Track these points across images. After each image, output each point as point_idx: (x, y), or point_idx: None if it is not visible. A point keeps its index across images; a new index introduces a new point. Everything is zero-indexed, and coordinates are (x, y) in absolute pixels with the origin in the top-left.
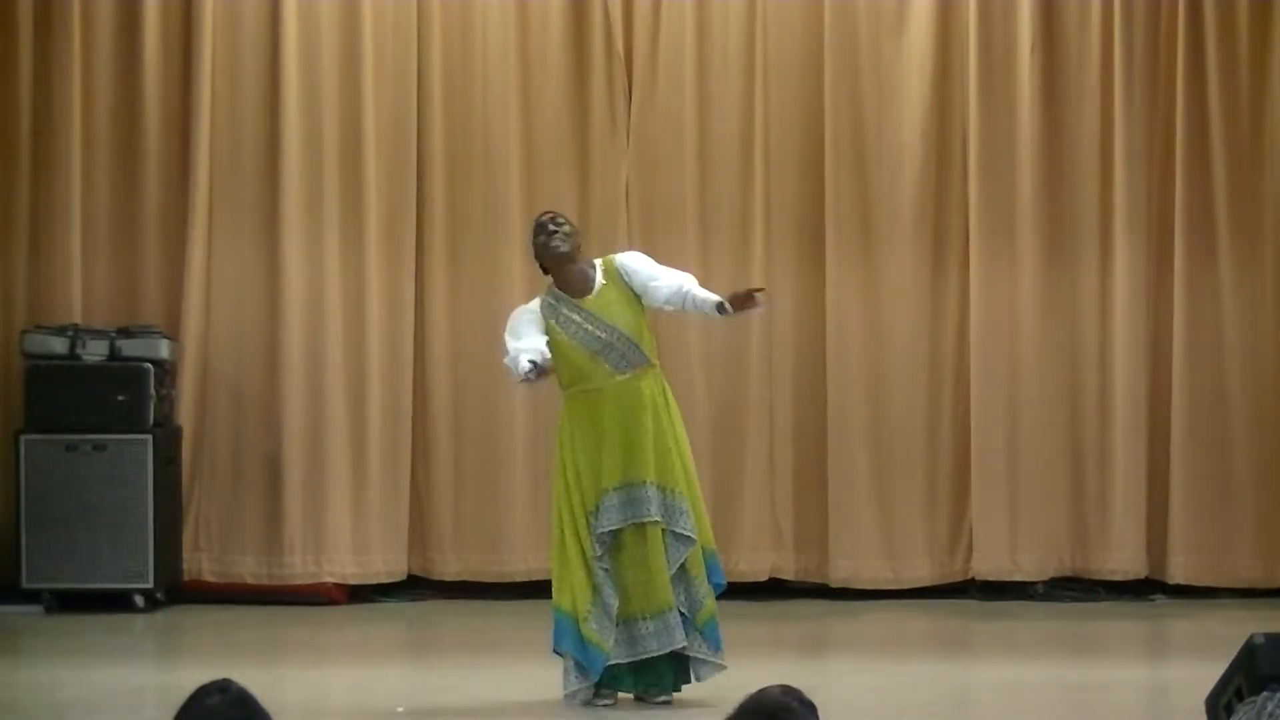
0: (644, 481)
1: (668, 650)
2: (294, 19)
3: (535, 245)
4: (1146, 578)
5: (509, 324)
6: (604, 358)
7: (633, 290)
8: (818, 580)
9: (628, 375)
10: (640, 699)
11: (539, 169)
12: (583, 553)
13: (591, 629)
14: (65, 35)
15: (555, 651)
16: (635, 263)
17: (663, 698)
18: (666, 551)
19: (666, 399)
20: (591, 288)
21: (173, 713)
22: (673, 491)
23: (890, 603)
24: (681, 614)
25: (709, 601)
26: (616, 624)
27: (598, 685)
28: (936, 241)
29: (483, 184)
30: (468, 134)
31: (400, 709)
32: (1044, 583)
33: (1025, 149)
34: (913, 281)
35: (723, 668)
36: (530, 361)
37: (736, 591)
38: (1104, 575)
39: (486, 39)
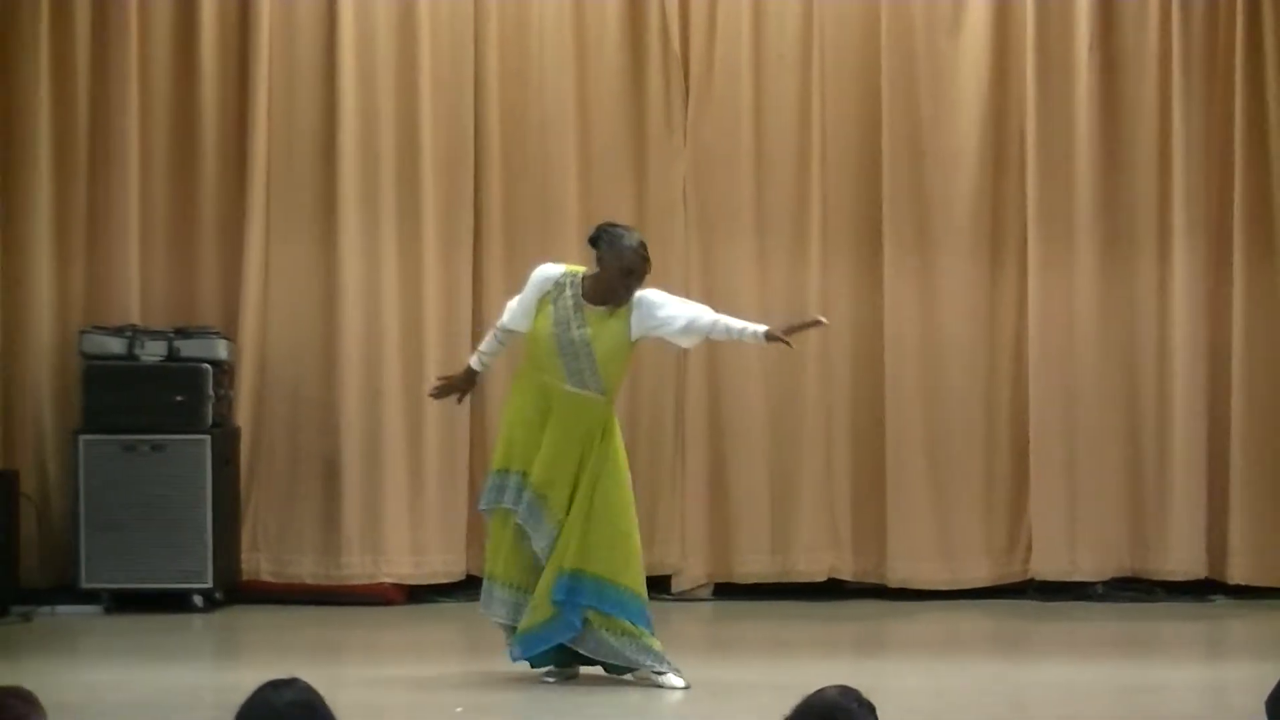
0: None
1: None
2: (350, 19)
3: (624, 267)
4: (1206, 578)
5: (526, 286)
6: (563, 361)
7: (631, 326)
8: (875, 581)
9: (576, 391)
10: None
11: (595, 170)
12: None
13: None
14: (122, 36)
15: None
16: (649, 303)
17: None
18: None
19: (606, 432)
20: (606, 306)
21: (231, 713)
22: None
23: (948, 603)
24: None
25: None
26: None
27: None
28: (994, 243)
29: (539, 184)
30: (524, 134)
31: (459, 709)
32: (1103, 583)
33: (1083, 150)
34: (970, 283)
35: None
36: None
37: (794, 592)
38: (1163, 576)
39: (543, 39)
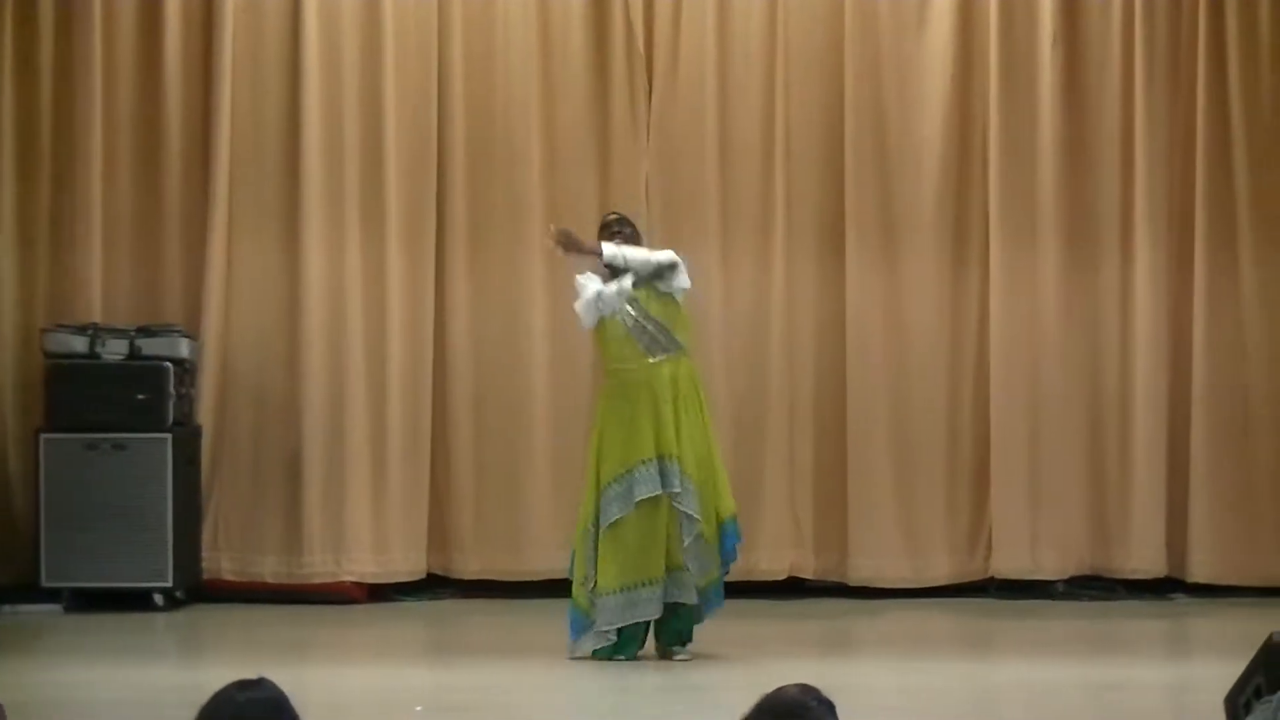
0: (671, 456)
1: (668, 605)
2: (314, 17)
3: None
4: (1166, 576)
5: (580, 290)
6: (638, 339)
7: (660, 285)
8: (837, 579)
9: (658, 359)
10: (662, 655)
11: (560, 165)
12: (591, 524)
13: (580, 593)
14: (86, 33)
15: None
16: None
17: (680, 655)
18: (680, 526)
19: (695, 385)
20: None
21: (193, 711)
22: (683, 472)
23: (910, 602)
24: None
25: (714, 570)
26: (615, 591)
27: (615, 649)
28: (957, 238)
29: (504, 181)
30: (488, 131)
31: (419, 708)
32: (1064, 581)
33: (1046, 145)
34: (933, 278)
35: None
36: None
37: (756, 590)
38: (1124, 574)
39: (507, 36)
